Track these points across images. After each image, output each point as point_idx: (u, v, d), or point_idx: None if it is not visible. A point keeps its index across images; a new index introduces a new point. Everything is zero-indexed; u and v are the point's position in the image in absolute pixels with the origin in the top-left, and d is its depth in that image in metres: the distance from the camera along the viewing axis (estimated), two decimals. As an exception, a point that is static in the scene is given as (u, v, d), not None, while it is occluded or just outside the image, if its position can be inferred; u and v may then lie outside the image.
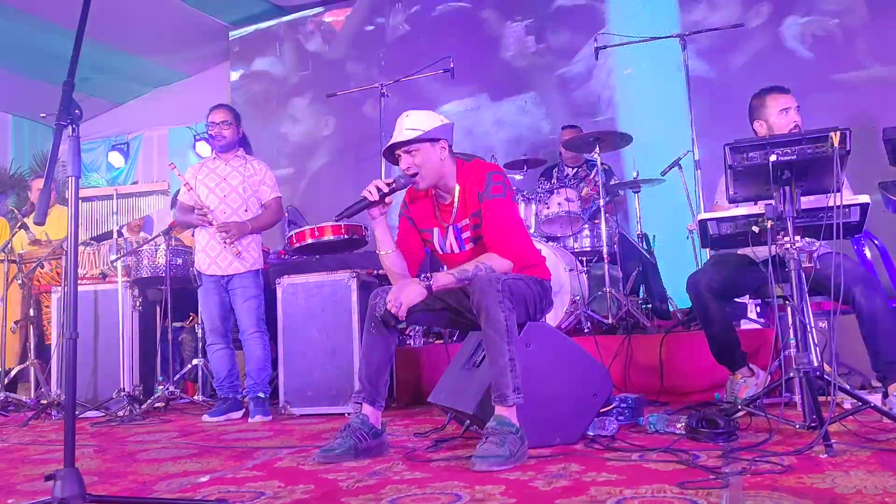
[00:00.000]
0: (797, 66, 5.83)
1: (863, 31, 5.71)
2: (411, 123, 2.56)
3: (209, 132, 4.02)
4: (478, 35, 7.06)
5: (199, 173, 4.04)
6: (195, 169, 4.10)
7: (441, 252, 2.74)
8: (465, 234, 2.64)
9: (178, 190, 4.33)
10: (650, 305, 4.56)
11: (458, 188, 2.63)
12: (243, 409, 3.92)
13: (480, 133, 6.89)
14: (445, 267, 2.73)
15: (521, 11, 6.93)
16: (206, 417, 3.81)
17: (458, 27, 7.13)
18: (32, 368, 4.77)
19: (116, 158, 8.49)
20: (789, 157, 2.34)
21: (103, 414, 4.04)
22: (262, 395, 3.83)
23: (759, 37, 6.00)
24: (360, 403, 2.52)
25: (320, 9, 7.83)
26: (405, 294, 2.46)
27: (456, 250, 2.68)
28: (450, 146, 2.62)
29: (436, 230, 2.72)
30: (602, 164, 4.60)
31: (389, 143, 2.60)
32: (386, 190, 2.54)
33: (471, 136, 6.75)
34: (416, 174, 2.57)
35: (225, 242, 3.83)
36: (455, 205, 2.63)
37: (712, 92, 5.73)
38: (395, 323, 2.53)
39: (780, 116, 3.07)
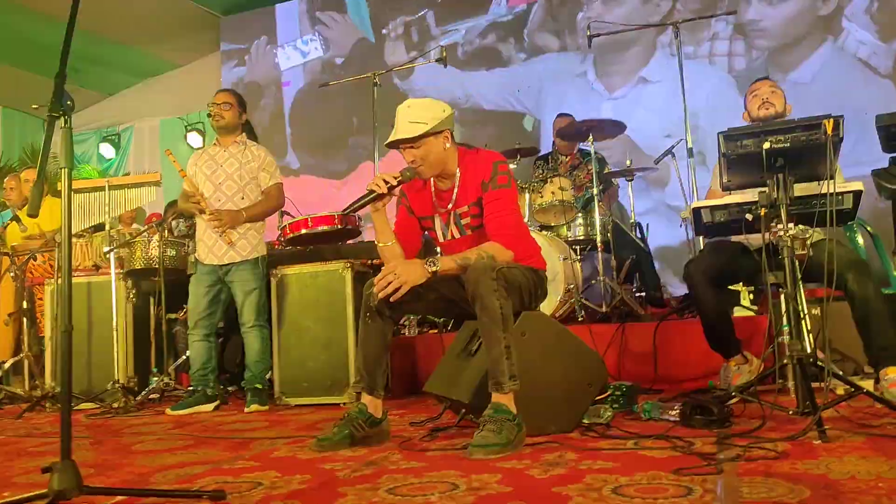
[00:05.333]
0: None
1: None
2: (413, 116, 2.53)
3: (209, 112, 3.99)
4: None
5: (198, 160, 4.01)
6: (196, 156, 4.08)
7: (442, 240, 2.74)
8: (465, 221, 2.65)
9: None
10: (644, 293, 4.57)
11: (458, 173, 2.63)
12: (215, 404, 3.84)
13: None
14: (442, 254, 2.73)
15: None
16: (169, 411, 3.70)
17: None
18: (26, 361, 4.75)
19: (107, 149, 8.46)
20: (782, 145, 2.35)
21: (98, 406, 4.03)
22: (259, 385, 3.82)
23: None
24: (359, 393, 2.52)
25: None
26: (409, 273, 2.42)
27: (457, 236, 2.68)
28: (451, 133, 2.61)
29: (437, 218, 2.72)
30: (595, 152, 4.59)
31: (394, 139, 2.56)
32: (394, 183, 2.53)
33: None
34: (420, 165, 2.56)
35: (216, 231, 3.80)
36: (455, 190, 2.64)
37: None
38: (389, 312, 2.52)
39: (750, 103, 3.25)
